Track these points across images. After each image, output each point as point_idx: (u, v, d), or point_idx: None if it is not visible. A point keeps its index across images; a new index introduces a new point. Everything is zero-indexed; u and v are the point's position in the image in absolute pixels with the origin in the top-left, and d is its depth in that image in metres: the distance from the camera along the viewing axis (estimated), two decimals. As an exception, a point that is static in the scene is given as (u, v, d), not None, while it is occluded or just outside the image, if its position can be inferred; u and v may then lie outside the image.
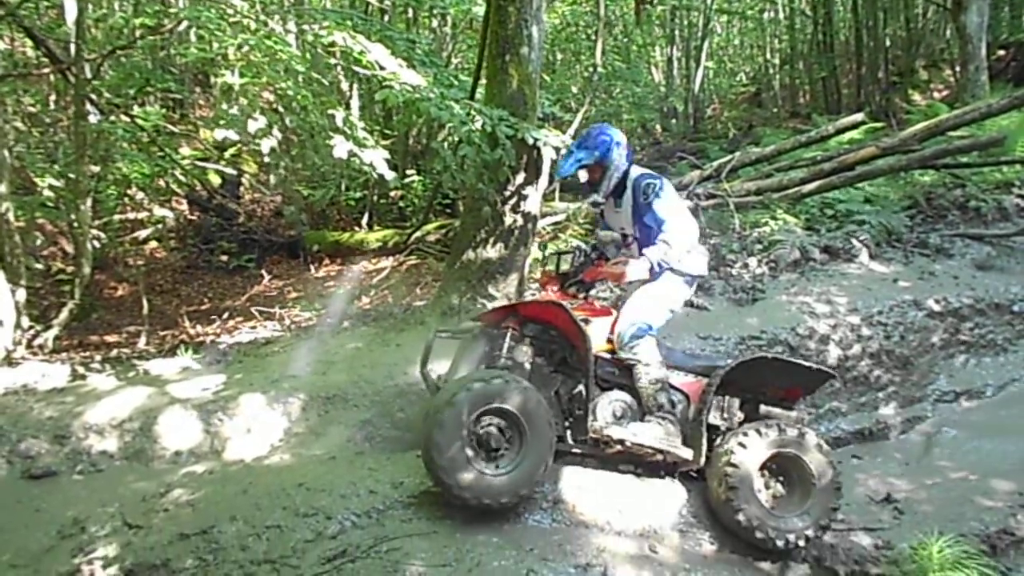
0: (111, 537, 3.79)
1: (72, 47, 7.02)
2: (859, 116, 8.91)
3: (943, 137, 7.85)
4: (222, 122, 6.99)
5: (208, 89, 13.54)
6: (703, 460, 4.08)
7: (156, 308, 9.08)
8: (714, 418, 4.18)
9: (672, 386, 4.25)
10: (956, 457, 5.02)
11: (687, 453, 4.09)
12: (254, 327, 7.59)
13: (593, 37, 13.24)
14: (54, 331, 6.80)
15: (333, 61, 6.71)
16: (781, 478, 4.05)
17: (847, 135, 9.09)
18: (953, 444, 5.23)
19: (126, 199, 10.51)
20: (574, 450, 4.19)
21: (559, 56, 16.16)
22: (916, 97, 14.00)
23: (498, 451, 3.74)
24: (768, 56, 18.96)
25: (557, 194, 9.67)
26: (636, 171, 4.44)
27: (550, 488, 3.97)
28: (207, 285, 10.56)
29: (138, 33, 9.16)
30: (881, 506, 4.54)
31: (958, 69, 12.35)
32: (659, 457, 4.15)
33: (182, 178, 9.26)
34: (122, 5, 12.18)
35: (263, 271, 10.36)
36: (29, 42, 8.56)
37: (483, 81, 6.47)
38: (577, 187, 5.84)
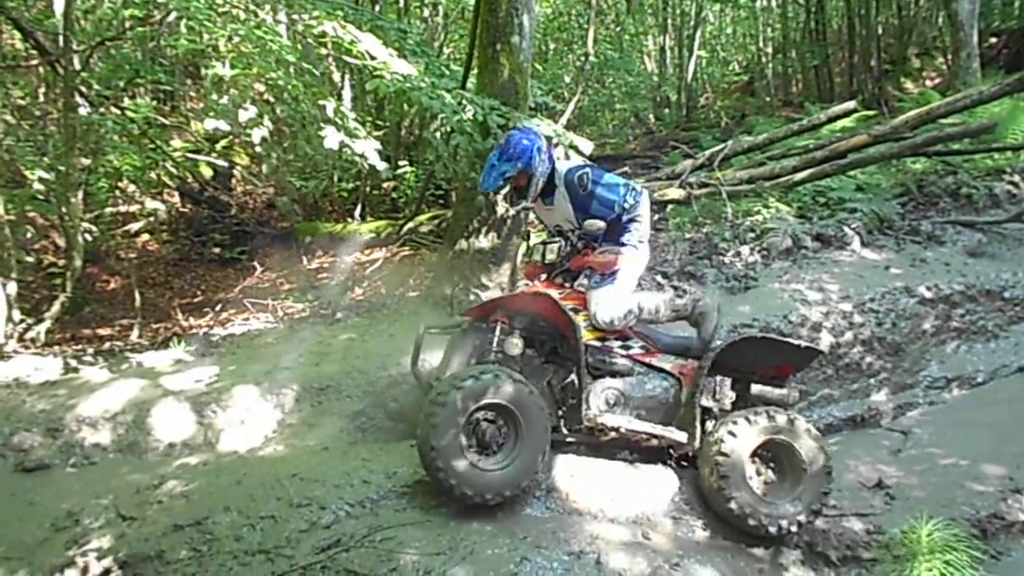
0: (105, 529, 3.80)
1: (60, 39, 6.97)
2: (851, 104, 8.93)
3: (935, 124, 7.87)
4: (212, 113, 6.96)
5: (199, 80, 13.46)
6: (697, 443, 4.11)
7: (148, 301, 9.05)
8: (707, 400, 4.20)
9: (664, 370, 4.28)
10: (947, 443, 5.05)
11: (681, 436, 4.12)
12: (247, 319, 7.57)
13: (585, 26, 13.22)
14: (46, 324, 6.78)
15: (324, 51, 6.67)
16: (772, 464, 4.07)
17: (839, 123, 9.12)
18: (944, 430, 5.26)
19: (117, 192, 10.47)
20: (569, 439, 4.21)
21: (551, 45, 16.15)
22: (908, 85, 14.02)
23: (494, 446, 3.75)
24: (761, 45, 18.94)
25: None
26: (562, 167, 4.42)
27: (543, 477, 3.98)
28: (200, 277, 10.52)
29: (127, 24, 9.10)
30: (873, 492, 4.56)
31: (950, 57, 12.37)
32: (654, 442, 4.18)
33: (173, 170, 9.20)
34: (111, -4, 12.08)
35: (255, 263, 10.31)
36: (17, 34, 8.49)
37: (475, 71, 6.45)
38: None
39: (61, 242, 8.81)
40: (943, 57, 14.33)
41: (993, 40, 14.17)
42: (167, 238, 11.30)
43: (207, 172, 10.54)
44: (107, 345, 7.08)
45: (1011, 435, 4.95)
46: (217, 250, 10.89)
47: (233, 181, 12.21)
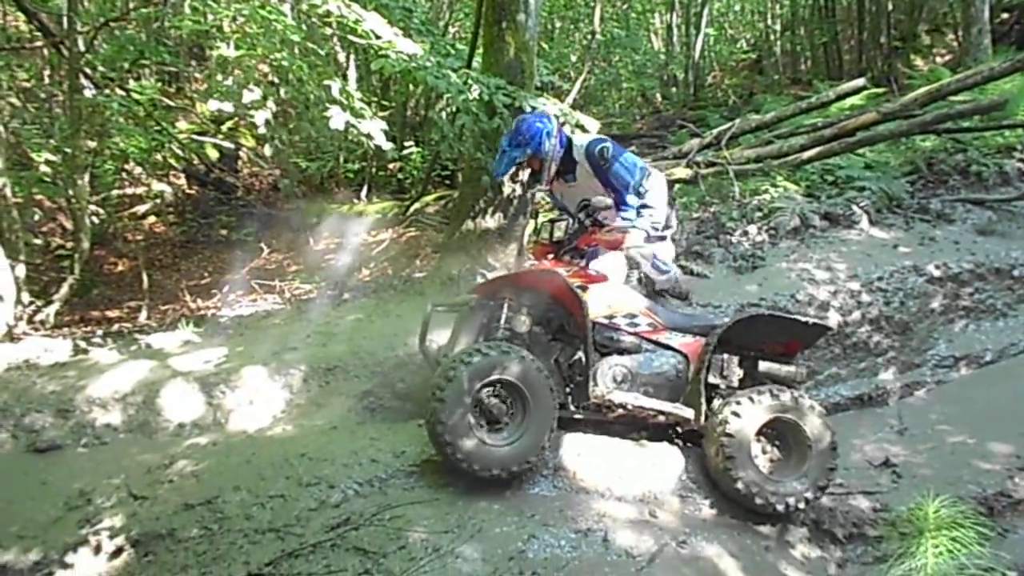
0: (117, 508, 3.83)
1: (65, 20, 6.96)
2: (860, 81, 8.83)
3: (945, 102, 7.78)
4: (217, 94, 6.94)
5: (204, 62, 13.41)
6: (704, 420, 4.11)
7: (156, 283, 9.08)
8: (714, 377, 4.20)
9: (671, 347, 4.28)
10: (954, 422, 5.05)
11: (688, 413, 4.14)
12: (254, 300, 7.61)
13: (591, 4, 13.10)
14: (55, 306, 6.81)
15: (329, 31, 6.64)
16: (778, 443, 4.07)
17: (848, 101, 9.02)
18: (952, 409, 5.25)
19: (124, 174, 10.48)
20: (576, 416, 4.22)
21: (557, 24, 16.02)
22: (918, 62, 13.85)
23: (502, 422, 3.77)
24: (769, 22, 18.73)
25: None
26: (581, 140, 4.46)
27: (551, 455, 4.00)
28: (207, 259, 10.55)
29: (131, 5, 9.06)
30: (879, 470, 4.58)
31: (960, 33, 12.22)
32: (661, 419, 4.19)
33: (180, 152, 9.21)
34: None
35: (262, 244, 10.34)
36: (21, 16, 8.47)
37: (480, 49, 6.41)
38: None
39: (68, 224, 8.83)
40: (953, 33, 14.15)
41: (1004, 16, 13.95)
42: (174, 220, 11.32)
43: (213, 154, 10.55)
44: (116, 327, 7.12)
45: (1019, 414, 4.95)
46: (224, 232, 10.91)
47: (239, 162, 12.21)
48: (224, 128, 10.49)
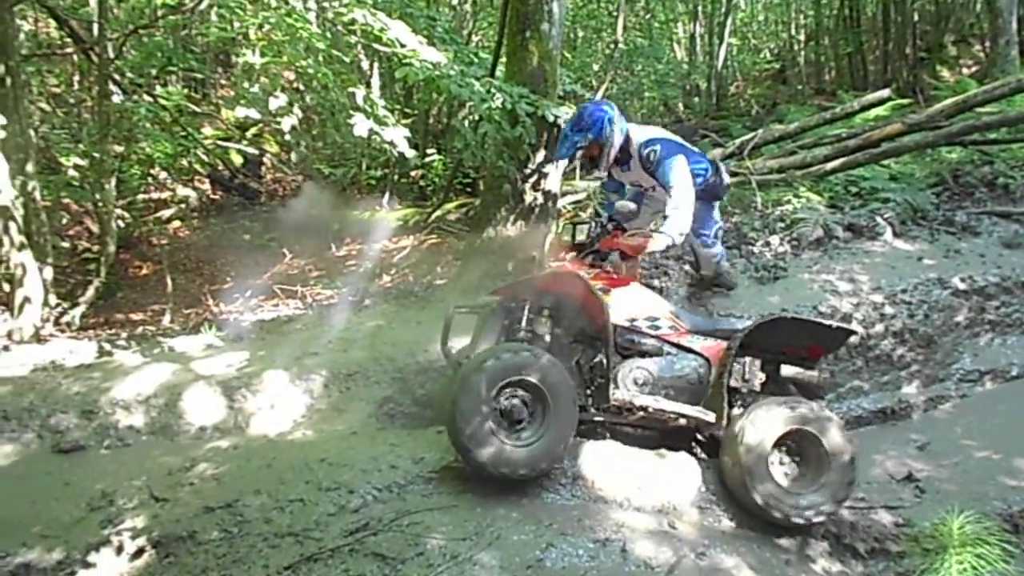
0: (139, 509, 3.87)
1: (95, 27, 7.06)
2: (885, 92, 8.77)
3: (971, 113, 7.69)
4: (243, 101, 7.02)
5: (230, 69, 13.58)
6: (725, 423, 4.08)
7: (180, 286, 9.17)
8: (735, 381, 4.17)
9: (693, 350, 4.26)
10: (979, 437, 4.97)
11: (709, 416, 4.11)
12: (276, 305, 7.66)
13: (614, 13, 13.11)
14: (81, 309, 6.90)
15: (354, 39, 6.69)
16: (797, 455, 4.03)
17: (873, 112, 8.95)
18: (976, 424, 5.18)
19: (149, 179, 10.61)
20: (596, 418, 4.21)
21: (580, 33, 16.02)
22: (944, 73, 13.71)
23: (521, 423, 3.77)
24: (793, 32, 18.65)
25: (577, 172, 9.63)
26: (639, 137, 4.53)
27: (569, 464, 3.99)
28: (229, 264, 10.63)
29: (160, 12, 9.18)
30: (902, 485, 4.52)
31: (988, 44, 12.10)
32: (681, 422, 4.17)
33: (205, 157, 9.32)
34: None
35: (284, 250, 10.42)
36: (52, 22, 8.62)
37: (503, 59, 6.44)
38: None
39: (95, 228, 8.95)
40: (980, 44, 14.02)
41: (1033, 27, 13.81)
42: (198, 224, 11.45)
43: (237, 159, 10.67)
44: (140, 329, 7.20)
45: (1045, 429, 4.88)
46: (247, 236, 11.01)
47: (263, 168, 12.33)
48: (248, 134, 10.60)
